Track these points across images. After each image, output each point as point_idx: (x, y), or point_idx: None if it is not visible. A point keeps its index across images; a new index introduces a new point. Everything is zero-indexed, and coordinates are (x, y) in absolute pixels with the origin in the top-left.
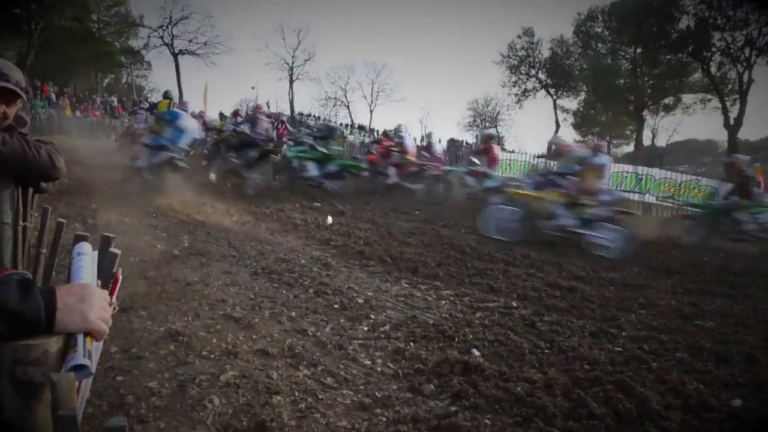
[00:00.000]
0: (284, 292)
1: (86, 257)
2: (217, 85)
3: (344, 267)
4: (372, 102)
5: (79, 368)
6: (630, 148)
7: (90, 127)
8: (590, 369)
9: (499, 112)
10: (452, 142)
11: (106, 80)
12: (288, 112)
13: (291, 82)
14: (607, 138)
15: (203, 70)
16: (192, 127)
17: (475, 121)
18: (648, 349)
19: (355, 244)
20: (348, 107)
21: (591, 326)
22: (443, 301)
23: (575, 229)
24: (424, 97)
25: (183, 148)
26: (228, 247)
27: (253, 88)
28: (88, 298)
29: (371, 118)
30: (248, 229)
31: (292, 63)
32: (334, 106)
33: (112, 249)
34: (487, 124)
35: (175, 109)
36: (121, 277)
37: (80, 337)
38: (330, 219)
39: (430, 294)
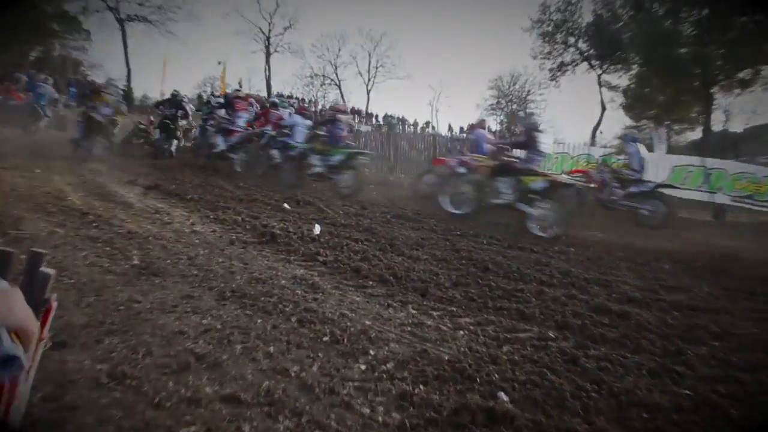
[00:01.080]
0: (260, 321)
1: None
2: (175, 61)
3: (336, 289)
4: (369, 80)
5: (7, 363)
6: (696, 134)
7: (12, 112)
8: (649, 418)
9: (529, 91)
10: (471, 129)
11: (33, 53)
12: (264, 93)
13: (267, 55)
14: (667, 123)
15: (158, 41)
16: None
17: (498, 102)
18: (724, 392)
19: (349, 260)
20: (339, 86)
21: (650, 363)
22: (461, 332)
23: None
24: (435, 74)
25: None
26: (188, 265)
27: (219, 63)
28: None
29: (368, 100)
30: (215, 241)
31: (269, 32)
32: (322, 85)
33: (44, 269)
34: (514, 106)
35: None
36: (55, 304)
37: (2, 330)
38: (318, 228)
39: (444, 322)
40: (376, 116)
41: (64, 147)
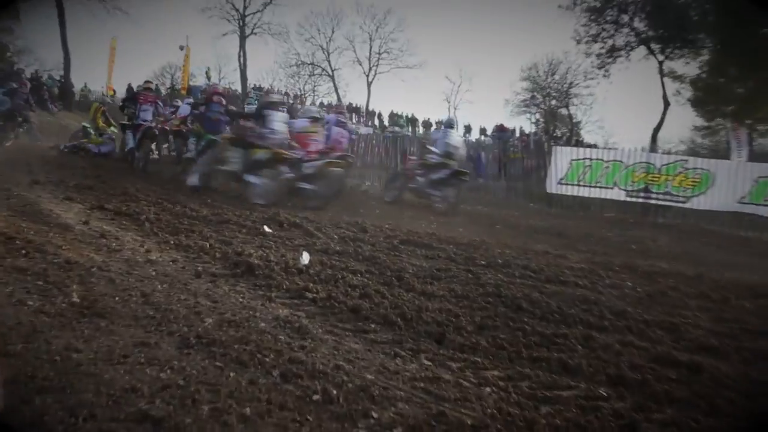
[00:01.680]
0: (233, 375)
1: None
2: (126, 46)
3: (329, 334)
4: (370, 69)
5: None
6: None
7: None
8: None
9: (571, 83)
10: (499, 132)
11: None
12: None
13: (242, 38)
14: (748, 122)
15: (104, 20)
16: None
17: (533, 98)
18: None
19: (345, 297)
20: (333, 77)
21: (730, 430)
22: (488, 389)
23: None
24: (453, 62)
25: None
26: (143, 303)
27: (182, 48)
28: None
29: (369, 95)
30: (176, 274)
31: (244, 9)
32: (311, 75)
33: None
34: (554, 102)
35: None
36: None
37: None
38: (306, 257)
39: (466, 376)
40: (380, 115)
41: None
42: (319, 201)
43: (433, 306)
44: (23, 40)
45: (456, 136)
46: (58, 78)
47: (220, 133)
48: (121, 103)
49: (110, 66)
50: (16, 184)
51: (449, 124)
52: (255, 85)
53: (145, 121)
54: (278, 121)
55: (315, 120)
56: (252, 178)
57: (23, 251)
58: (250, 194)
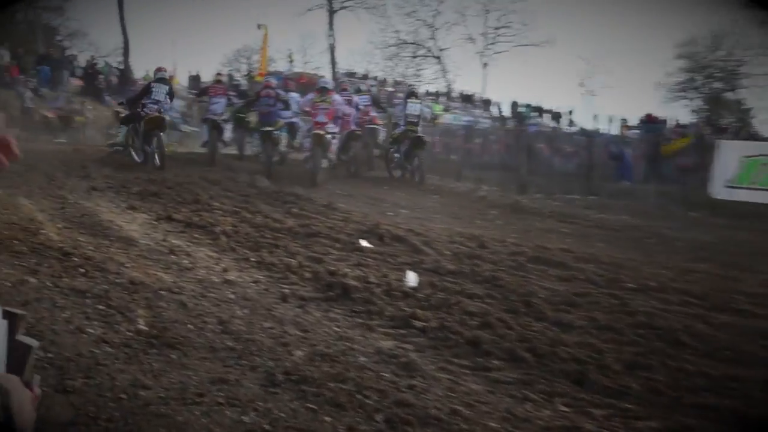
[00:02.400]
0: (328, 419)
1: None
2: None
3: (442, 371)
4: (487, 48)
5: None
6: None
7: None
8: None
9: (741, 61)
10: (648, 123)
11: None
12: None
13: (331, 14)
14: None
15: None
16: None
17: (692, 80)
18: None
19: (461, 326)
20: (439, 59)
21: None
22: None
23: None
24: (587, 40)
25: None
26: (220, 333)
27: (259, 27)
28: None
29: (485, 80)
30: (258, 297)
31: None
32: (413, 57)
33: (23, 337)
34: (718, 85)
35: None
36: (38, 392)
37: None
38: (413, 277)
39: (613, 427)
40: (499, 105)
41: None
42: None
43: (571, 339)
44: (76, 22)
45: (416, 105)
46: (115, 65)
47: (273, 125)
48: (127, 101)
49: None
50: (72, 191)
51: (409, 94)
52: (347, 71)
53: (215, 114)
54: (160, 92)
55: (322, 91)
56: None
57: (81, 270)
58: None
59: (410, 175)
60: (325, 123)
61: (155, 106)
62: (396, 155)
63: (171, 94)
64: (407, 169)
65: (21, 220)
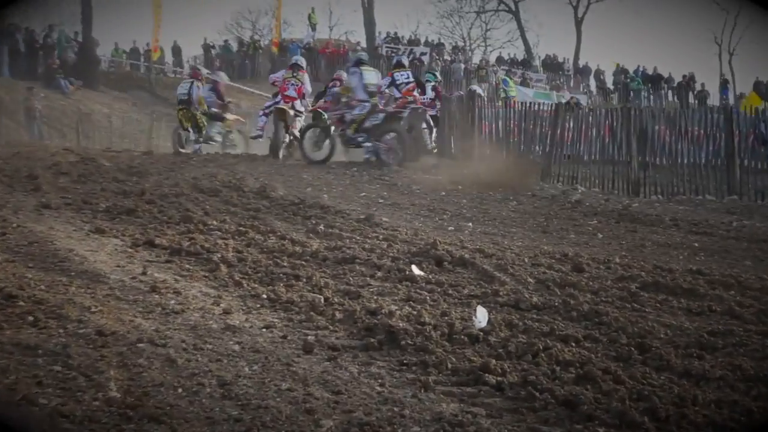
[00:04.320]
0: None
1: None
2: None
3: None
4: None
5: None
6: None
7: None
8: None
9: None
10: None
11: None
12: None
13: None
14: None
15: None
16: None
17: None
18: None
19: (551, 381)
20: (516, 14)
21: None
22: None
23: None
24: None
25: None
26: (221, 397)
27: None
28: None
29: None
30: (272, 348)
31: None
32: (479, 14)
33: None
34: None
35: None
36: None
37: None
38: (483, 315)
39: None
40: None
41: None
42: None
43: (706, 396)
44: None
45: (372, 73)
46: (74, 37)
47: None
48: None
49: (156, 16)
50: (15, 211)
51: (358, 62)
52: (387, 34)
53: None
54: None
55: (294, 67)
56: None
57: (30, 317)
58: None
59: (388, 156)
60: (294, 99)
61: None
62: (347, 132)
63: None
64: (381, 148)
65: None
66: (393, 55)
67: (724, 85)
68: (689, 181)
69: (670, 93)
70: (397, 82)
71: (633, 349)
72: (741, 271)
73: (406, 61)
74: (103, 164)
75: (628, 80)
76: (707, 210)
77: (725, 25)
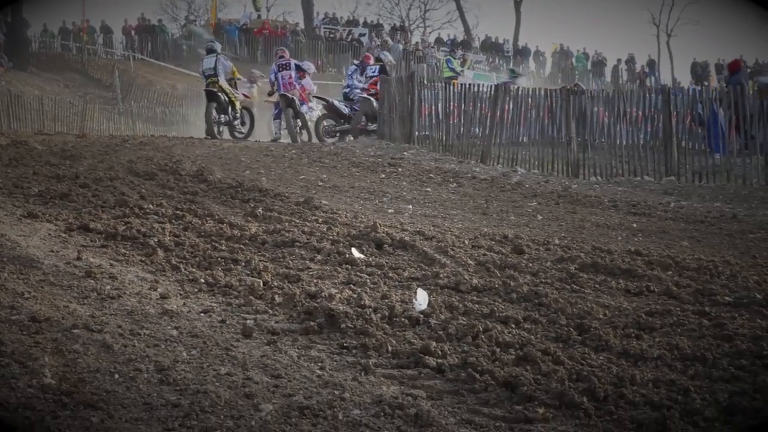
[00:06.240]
0: None
1: None
2: None
3: (467, 425)
4: None
5: None
6: None
7: None
8: None
9: None
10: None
11: None
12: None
13: None
14: None
15: None
16: None
17: None
18: None
19: (492, 363)
20: None
21: None
22: None
23: None
24: None
25: None
26: (159, 383)
27: None
28: None
29: (518, 23)
30: (210, 332)
31: None
32: None
33: None
34: None
35: None
36: None
37: None
38: (423, 297)
39: None
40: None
41: None
42: None
43: (644, 375)
44: None
45: (210, 60)
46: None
47: None
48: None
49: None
50: None
51: (209, 49)
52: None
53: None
54: None
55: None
56: None
57: None
58: None
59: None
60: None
61: None
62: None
63: None
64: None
65: None
66: (331, 36)
67: (650, 65)
68: (628, 162)
69: (608, 74)
70: (368, 74)
71: (572, 330)
72: (678, 251)
73: (386, 59)
74: (35, 147)
75: (572, 61)
76: (645, 191)
77: (663, 4)
